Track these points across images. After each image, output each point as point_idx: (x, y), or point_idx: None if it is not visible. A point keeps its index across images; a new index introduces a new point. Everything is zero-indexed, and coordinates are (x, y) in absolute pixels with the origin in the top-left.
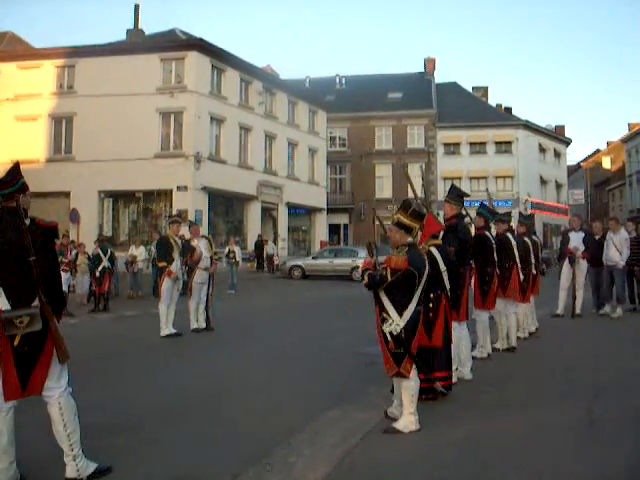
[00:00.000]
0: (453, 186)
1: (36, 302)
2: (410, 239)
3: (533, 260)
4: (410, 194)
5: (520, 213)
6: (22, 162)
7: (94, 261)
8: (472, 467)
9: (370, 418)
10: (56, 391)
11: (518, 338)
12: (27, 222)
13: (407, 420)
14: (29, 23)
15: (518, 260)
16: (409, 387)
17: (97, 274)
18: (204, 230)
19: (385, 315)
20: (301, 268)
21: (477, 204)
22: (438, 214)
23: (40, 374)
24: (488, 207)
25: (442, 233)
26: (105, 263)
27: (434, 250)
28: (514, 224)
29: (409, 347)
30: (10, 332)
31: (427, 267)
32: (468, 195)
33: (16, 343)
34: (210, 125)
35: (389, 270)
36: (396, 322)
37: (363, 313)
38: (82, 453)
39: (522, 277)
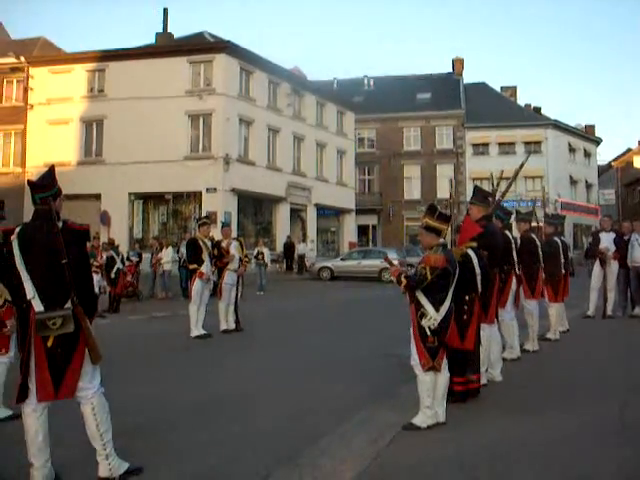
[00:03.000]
0: (477, 188)
1: (69, 304)
2: (442, 240)
3: (563, 260)
4: (439, 194)
5: (546, 213)
6: (54, 165)
7: (108, 263)
8: (501, 470)
9: (399, 420)
10: (89, 391)
11: (549, 340)
12: (60, 225)
13: (423, 415)
14: (60, 29)
15: (542, 260)
16: (424, 381)
17: (112, 275)
18: (233, 232)
19: (423, 310)
20: (330, 269)
21: (507, 204)
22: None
23: (73, 375)
24: (505, 209)
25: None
26: (119, 265)
27: (471, 252)
28: (541, 224)
29: (443, 340)
30: (43, 333)
31: (458, 267)
32: (493, 196)
33: (49, 344)
34: (239, 127)
35: (428, 268)
36: (434, 317)
37: (392, 314)
38: (114, 452)
39: (550, 277)
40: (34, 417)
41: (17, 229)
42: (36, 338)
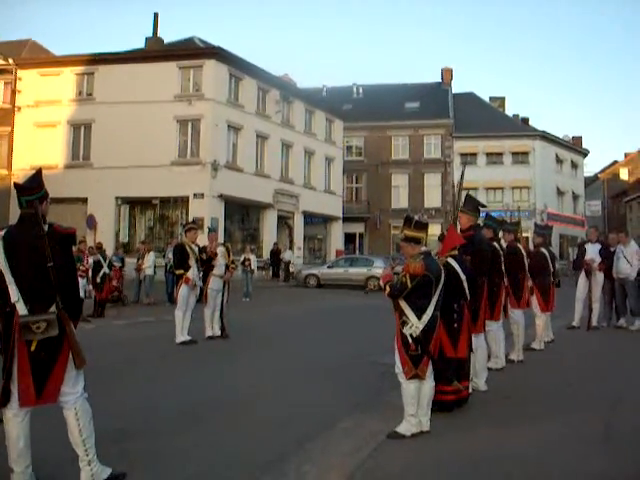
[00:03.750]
0: (469, 196)
1: (53, 308)
2: (423, 248)
3: (552, 270)
4: (427, 203)
5: (535, 224)
6: (41, 168)
7: (95, 267)
8: (485, 479)
9: (384, 428)
10: (72, 396)
11: (534, 349)
12: (45, 228)
13: (407, 423)
14: (49, 31)
15: (527, 270)
16: (408, 390)
17: (98, 280)
18: (220, 238)
19: (405, 318)
20: (316, 277)
21: (494, 215)
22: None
23: (56, 380)
24: (495, 218)
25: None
26: (105, 269)
27: (451, 261)
28: (529, 235)
29: (427, 349)
30: (27, 337)
31: (443, 274)
32: (484, 206)
33: (33, 348)
34: (227, 133)
35: (408, 276)
36: (416, 325)
37: (378, 322)
38: (97, 458)
39: (540, 287)
40: (15, 422)
41: (2, 232)
42: (19, 342)
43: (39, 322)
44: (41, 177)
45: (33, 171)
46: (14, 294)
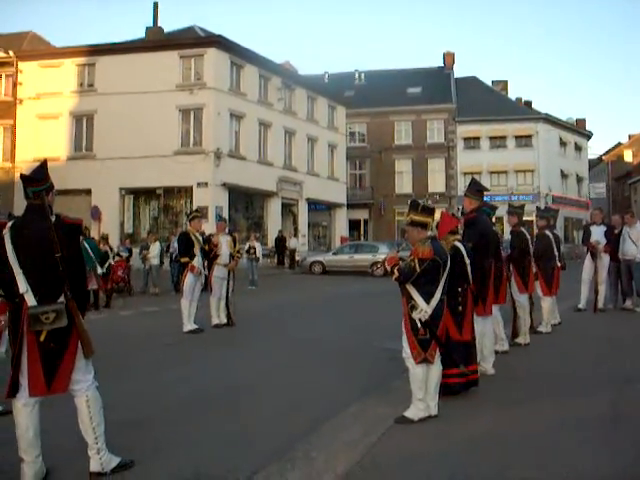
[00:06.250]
0: (473, 180)
1: (62, 298)
2: (430, 233)
3: (556, 253)
4: (430, 188)
5: (538, 207)
6: (47, 159)
7: (102, 258)
8: (493, 464)
9: (392, 413)
10: (84, 384)
11: (541, 332)
12: (53, 219)
13: (415, 407)
14: (50, 23)
15: (532, 253)
16: (416, 374)
17: (104, 270)
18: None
19: (413, 303)
20: (321, 264)
21: (499, 199)
22: (459, 209)
23: (65, 370)
24: (487, 202)
25: (462, 228)
26: (111, 260)
27: (459, 244)
28: (533, 218)
29: (435, 333)
30: (36, 328)
31: (449, 258)
32: (488, 189)
33: (42, 339)
34: (230, 121)
35: (417, 260)
36: (425, 309)
37: (384, 308)
38: (106, 447)
39: (543, 271)
40: (25, 412)
41: (9, 223)
42: (29, 333)
43: (48, 312)
44: (46, 168)
45: (37, 163)
46: (22, 285)
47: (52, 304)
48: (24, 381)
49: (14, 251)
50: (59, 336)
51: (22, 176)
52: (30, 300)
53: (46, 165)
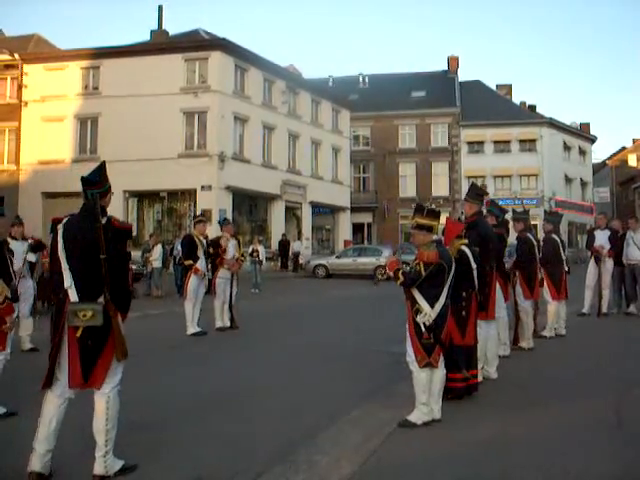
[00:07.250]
0: (472, 184)
1: (101, 299)
2: (435, 236)
3: (564, 257)
4: (434, 192)
5: (545, 211)
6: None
7: None
8: (496, 468)
9: (394, 417)
10: (109, 385)
11: (544, 337)
12: (104, 221)
13: (419, 411)
14: (55, 25)
15: (538, 259)
16: (420, 378)
17: None
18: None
19: (418, 307)
20: (325, 267)
21: (502, 203)
22: (462, 213)
23: (102, 368)
24: (497, 205)
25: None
26: None
27: (465, 248)
28: (539, 223)
29: (439, 337)
30: (72, 323)
31: (454, 263)
32: (487, 193)
33: (78, 334)
34: (234, 125)
35: (422, 264)
36: (429, 313)
37: (387, 312)
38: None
39: (552, 275)
40: (56, 403)
41: (65, 219)
42: (69, 328)
43: (86, 310)
44: (105, 171)
45: (41, 166)
46: (68, 280)
47: (91, 303)
48: (60, 374)
49: (64, 246)
50: (96, 335)
51: (82, 178)
52: (72, 296)
53: (104, 168)
